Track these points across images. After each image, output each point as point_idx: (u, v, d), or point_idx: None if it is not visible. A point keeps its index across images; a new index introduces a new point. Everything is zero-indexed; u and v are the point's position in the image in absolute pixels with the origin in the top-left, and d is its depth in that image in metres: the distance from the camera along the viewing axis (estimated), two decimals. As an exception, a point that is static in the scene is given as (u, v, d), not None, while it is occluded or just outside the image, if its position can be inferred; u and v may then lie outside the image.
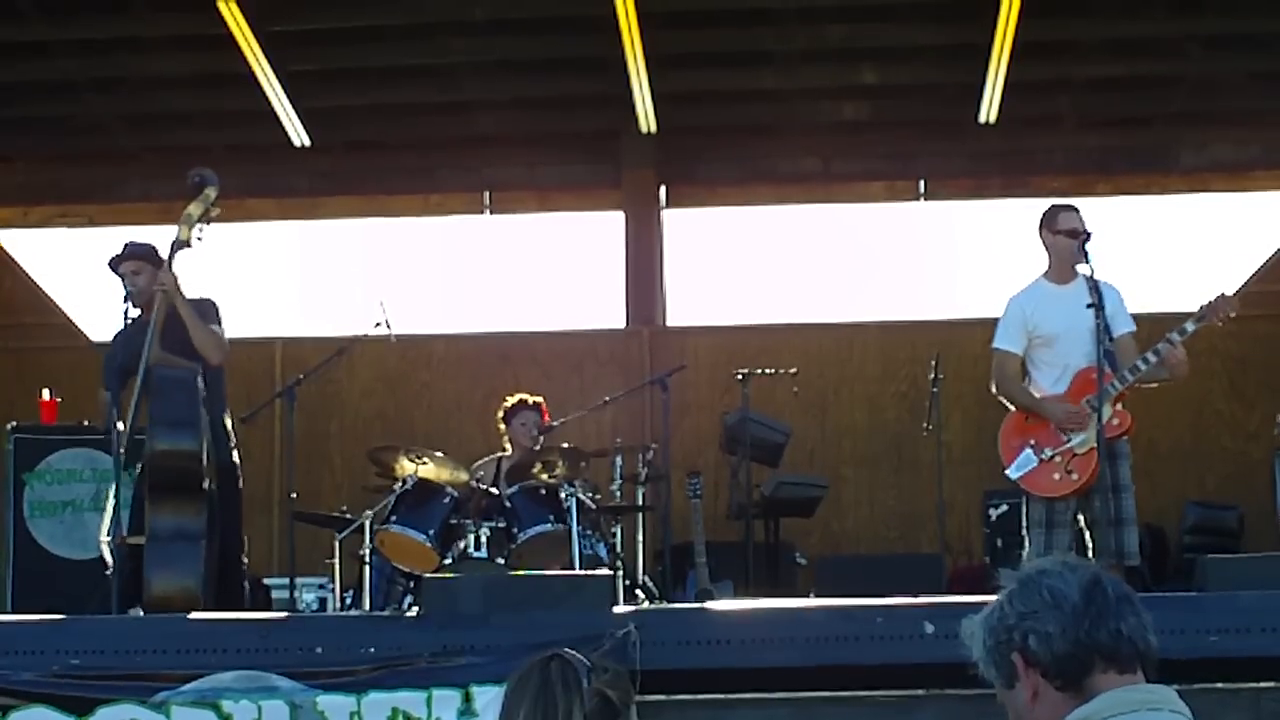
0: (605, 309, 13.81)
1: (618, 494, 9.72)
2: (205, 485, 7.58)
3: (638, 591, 9.10)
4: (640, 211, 13.61)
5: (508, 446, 9.66)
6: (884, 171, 13.87)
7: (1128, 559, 7.31)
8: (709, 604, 8.14)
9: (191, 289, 8.00)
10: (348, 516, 8.93)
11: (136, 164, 13.88)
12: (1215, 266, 14.13)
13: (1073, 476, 7.45)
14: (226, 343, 8.04)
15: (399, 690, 6.16)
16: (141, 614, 7.34)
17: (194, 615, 6.98)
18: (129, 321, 7.88)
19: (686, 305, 13.97)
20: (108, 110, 13.43)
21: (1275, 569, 6.79)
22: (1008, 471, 7.65)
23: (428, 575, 7.75)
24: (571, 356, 13.16)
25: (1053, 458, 7.50)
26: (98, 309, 12.63)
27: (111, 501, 7.48)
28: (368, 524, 8.57)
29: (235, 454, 8.06)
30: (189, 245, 7.83)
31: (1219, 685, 6.03)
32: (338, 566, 8.98)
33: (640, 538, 9.73)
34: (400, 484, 8.64)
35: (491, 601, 6.54)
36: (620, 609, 6.68)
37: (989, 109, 12.70)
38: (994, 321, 7.88)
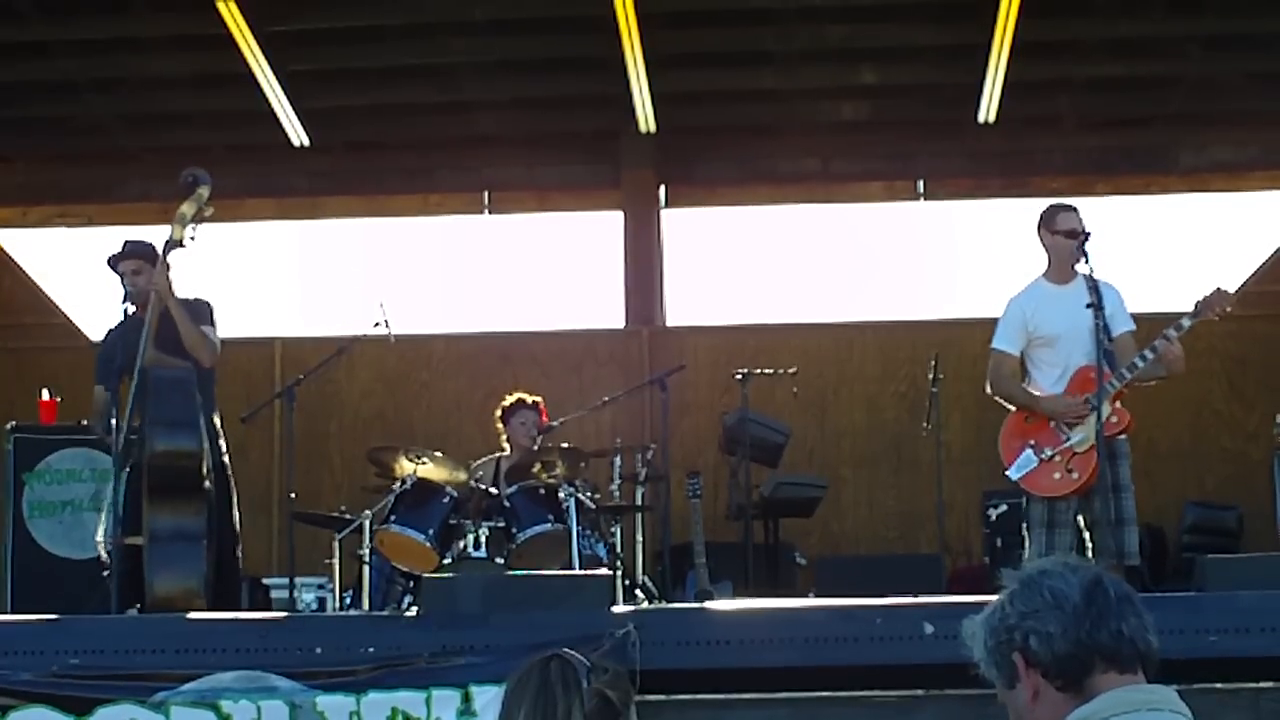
0: (604, 309, 13.82)
1: (617, 494, 9.71)
2: (204, 485, 7.59)
3: (637, 592, 9.10)
4: (639, 211, 13.61)
5: (506, 446, 9.65)
6: (883, 171, 13.86)
7: (1128, 559, 7.31)
8: (708, 604, 8.13)
9: (187, 289, 8.00)
10: (347, 516, 8.93)
11: (136, 164, 13.88)
12: (1214, 267, 14.13)
13: (1073, 476, 7.45)
14: (218, 345, 8.04)
15: (398, 690, 6.16)
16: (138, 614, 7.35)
17: (193, 615, 6.98)
18: (125, 319, 7.88)
19: (686, 305, 13.99)
20: (107, 110, 13.43)
21: (1274, 569, 6.79)
22: (1008, 472, 7.65)
23: (427, 575, 7.75)
24: (571, 356, 13.16)
25: (1053, 457, 7.50)
26: (97, 309, 12.64)
27: (109, 501, 7.48)
28: (367, 524, 8.57)
29: (225, 453, 8.05)
30: (182, 244, 7.82)
31: (1218, 685, 6.04)
32: (337, 566, 8.98)
33: (639, 538, 9.73)
34: (399, 484, 8.64)
35: (491, 601, 6.54)
36: (620, 609, 6.69)
37: (988, 109, 12.70)
38: (994, 321, 7.89)
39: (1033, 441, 7.55)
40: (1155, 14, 12.43)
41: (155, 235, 8.05)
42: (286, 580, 9.39)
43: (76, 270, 14.36)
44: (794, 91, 13.40)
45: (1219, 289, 7.59)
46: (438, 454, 8.83)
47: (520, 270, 14.97)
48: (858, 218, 14.88)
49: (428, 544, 8.42)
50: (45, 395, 11.26)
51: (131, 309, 7.87)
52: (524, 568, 8.20)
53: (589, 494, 8.89)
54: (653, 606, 8.54)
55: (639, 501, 9.87)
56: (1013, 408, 7.73)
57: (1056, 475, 7.48)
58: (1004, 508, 10.69)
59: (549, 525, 8.54)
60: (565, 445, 9.31)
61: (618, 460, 9.80)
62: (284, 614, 8.77)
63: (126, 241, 8.11)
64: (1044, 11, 12.03)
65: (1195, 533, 12.11)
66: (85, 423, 8.14)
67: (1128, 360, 7.47)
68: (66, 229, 14.33)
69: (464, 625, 6.38)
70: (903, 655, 6.21)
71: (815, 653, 6.30)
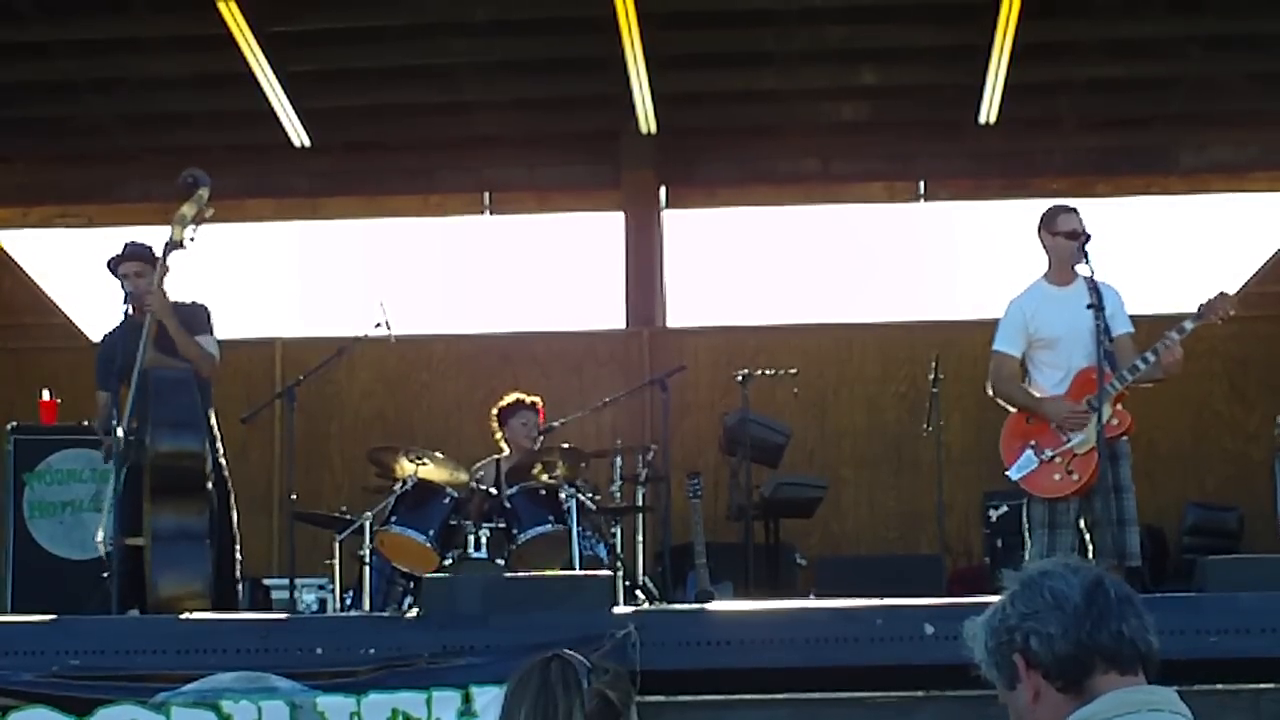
0: (605, 309, 13.83)
1: (617, 495, 9.71)
2: (207, 486, 7.59)
3: (638, 592, 9.09)
4: (640, 212, 13.61)
5: (504, 447, 9.64)
6: (884, 172, 13.87)
7: (1129, 559, 7.31)
8: (709, 605, 8.13)
9: (184, 293, 7.98)
10: (347, 517, 8.92)
11: (136, 164, 13.88)
12: (1215, 267, 14.14)
13: (1073, 477, 7.45)
14: (216, 355, 8.00)
15: (399, 691, 6.16)
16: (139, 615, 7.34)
17: (193, 616, 6.98)
18: (125, 321, 7.87)
19: (686, 306, 13.99)
20: (107, 111, 13.43)
21: (1275, 570, 6.79)
22: (1009, 473, 7.65)
23: (427, 576, 7.74)
24: (571, 357, 13.16)
25: (1053, 458, 7.50)
26: (97, 309, 12.64)
27: (109, 502, 7.48)
28: (367, 525, 8.56)
29: (223, 454, 8.04)
30: (182, 246, 7.81)
31: (1219, 686, 6.04)
32: (337, 567, 8.97)
33: (640, 538, 9.73)
34: (400, 485, 8.63)
35: (491, 602, 6.54)
36: (620, 610, 6.69)
37: (989, 110, 12.70)
38: (994, 322, 7.88)
39: (1033, 442, 7.55)
40: (1155, 15, 12.44)
41: (155, 236, 8.03)
42: (287, 581, 9.38)
43: (77, 270, 14.38)
44: (794, 92, 13.41)
45: (1221, 292, 7.59)
46: (438, 455, 8.82)
47: (521, 271, 14.99)
48: (858, 218, 14.90)
49: (428, 545, 8.41)
50: (45, 395, 11.26)
51: (131, 311, 7.85)
52: (524, 568, 8.20)
53: (589, 495, 8.88)
54: (653, 607, 8.54)
55: (639, 502, 9.87)
56: (1013, 409, 7.73)
57: (1057, 476, 7.48)
58: (1004, 508, 10.69)
59: (549, 526, 8.53)
60: (566, 446, 9.30)
61: (618, 461, 9.80)
62: (284, 615, 8.77)
63: (127, 244, 8.09)
64: (1044, 12, 12.04)
65: (1196, 534, 12.12)
66: (86, 423, 8.13)
67: (1127, 362, 7.47)
68: (67, 229, 14.34)
69: (464, 626, 6.38)
70: (903, 656, 6.21)
71: (816, 653, 6.30)
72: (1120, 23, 12.47)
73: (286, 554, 9.19)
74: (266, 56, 12.33)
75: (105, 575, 7.35)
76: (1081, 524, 7.52)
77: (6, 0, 12.09)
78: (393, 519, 8.54)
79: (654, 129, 13.10)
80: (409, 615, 7.40)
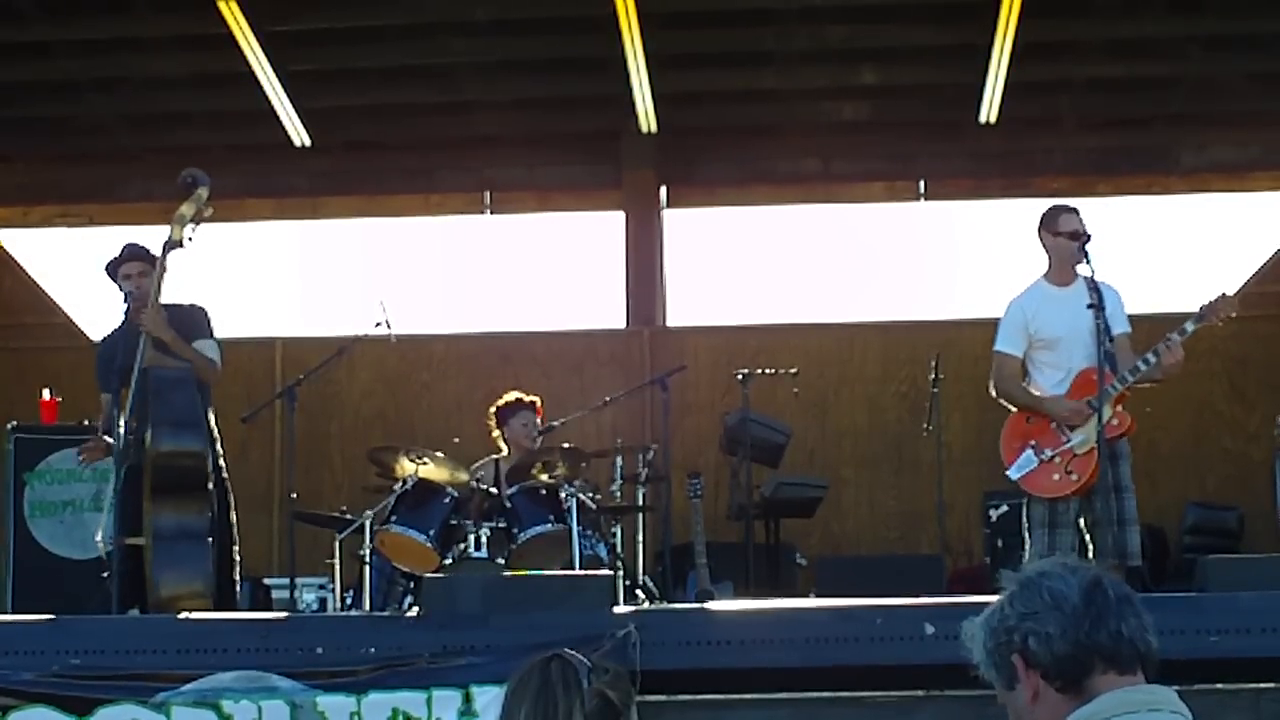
0: (605, 309, 13.83)
1: (618, 494, 9.71)
2: (208, 485, 7.59)
3: (638, 592, 9.09)
4: (640, 212, 13.61)
5: (502, 446, 9.63)
6: (884, 172, 13.87)
7: (1130, 559, 7.32)
8: (709, 604, 8.13)
9: (183, 294, 7.97)
10: (348, 517, 8.93)
11: (137, 164, 13.88)
12: (1215, 267, 14.14)
13: (1072, 477, 7.46)
14: (218, 361, 7.98)
15: (399, 690, 6.16)
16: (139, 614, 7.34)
17: (194, 616, 6.98)
18: (124, 323, 7.86)
19: (687, 305, 13.99)
20: (108, 110, 13.44)
21: (1275, 570, 6.79)
22: (1008, 472, 7.65)
23: (428, 575, 7.74)
24: (571, 357, 13.16)
25: (1053, 458, 7.51)
26: (98, 309, 12.64)
27: (109, 501, 7.48)
28: (368, 524, 8.57)
29: (222, 454, 8.04)
30: (182, 245, 7.79)
31: (1219, 686, 6.04)
32: (338, 567, 8.98)
33: (640, 538, 9.73)
34: (400, 484, 8.63)
35: (491, 602, 6.54)
36: (620, 609, 6.69)
37: (989, 109, 12.70)
38: (994, 322, 7.88)
39: (1033, 442, 7.55)
40: (1156, 14, 12.44)
41: (156, 235, 8.02)
42: (287, 580, 9.38)
43: (77, 270, 14.39)
44: (795, 92, 13.41)
45: (1223, 294, 7.60)
46: (438, 454, 8.82)
47: (521, 270, 14.99)
48: (858, 218, 14.90)
49: (428, 544, 8.41)
50: (46, 395, 11.27)
51: (131, 311, 7.83)
52: (525, 568, 8.20)
53: (590, 494, 8.88)
54: (653, 607, 8.54)
55: (640, 502, 9.87)
56: (1014, 409, 7.73)
57: (1056, 476, 7.49)
58: (1005, 508, 10.69)
59: (550, 525, 8.53)
60: (566, 445, 9.30)
61: (619, 460, 9.79)
62: (285, 614, 8.77)
63: (126, 245, 8.06)
64: (1044, 12, 12.03)
65: (1196, 533, 12.12)
66: (87, 423, 8.13)
67: (1125, 362, 7.47)
68: (67, 229, 14.34)
69: (465, 625, 6.37)
70: (903, 656, 6.21)
71: (816, 653, 6.30)
72: (1120, 22, 12.47)
73: (287, 553, 9.19)
74: (267, 56, 12.33)
75: (105, 575, 7.35)
76: (1081, 524, 7.52)
77: (8, 0, 12.09)
78: (393, 518, 8.54)
79: (654, 129, 13.11)
80: (409, 615, 7.40)
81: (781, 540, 11.23)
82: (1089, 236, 7.50)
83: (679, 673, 6.22)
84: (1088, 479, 7.40)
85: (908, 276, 15.18)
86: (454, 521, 8.56)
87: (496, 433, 9.64)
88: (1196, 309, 7.60)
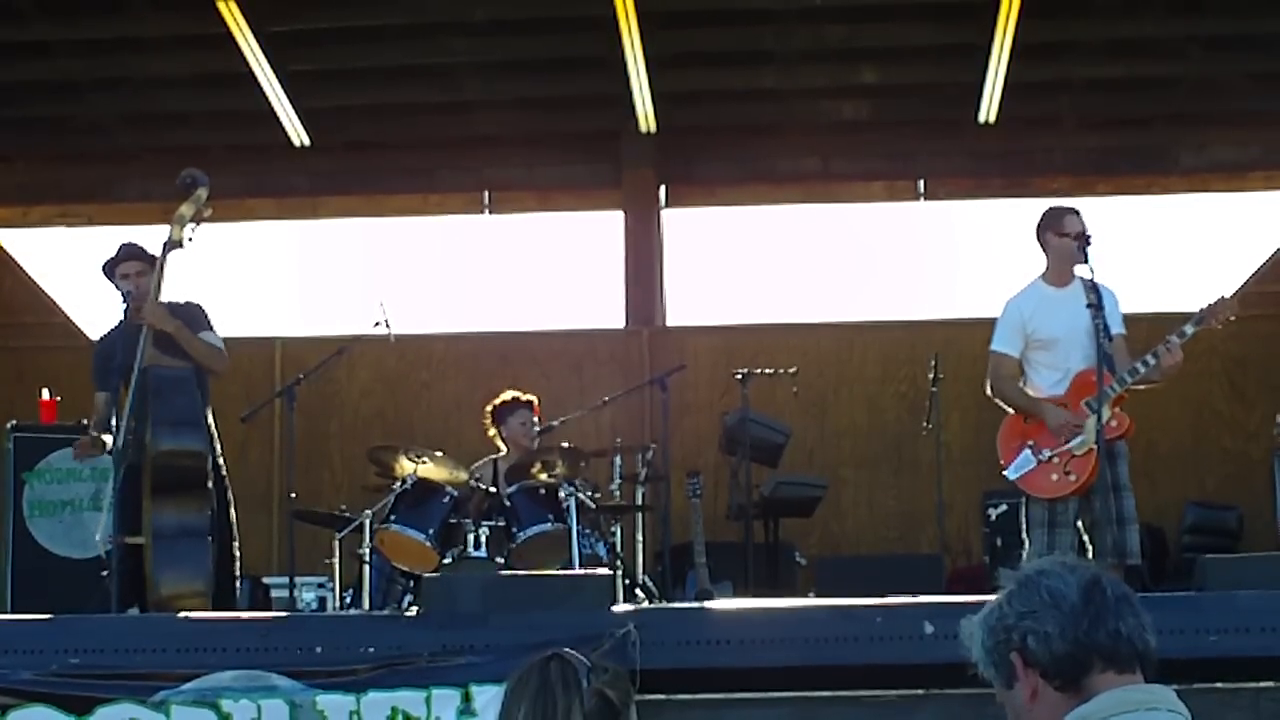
0: (605, 309, 13.82)
1: (617, 494, 9.71)
2: (208, 485, 7.59)
3: (637, 591, 9.10)
4: (640, 211, 13.61)
5: (500, 445, 9.63)
6: (883, 171, 13.86)
7: (1129, 558, 7.32)
8: (708, 604, 8.13)
9: (180, 293, 7.97)
10: (347, 516, 8.93)
11: (136, 164, 13.88)
12: (1215, 267, 14.15)
13: (1070, 478, 7.46)
14: (224, 350, 8.02)
15: (398, 690, 6.16)
16: (138, 613, 7.34)
17: (193, 615, 6.98)
18: (122, 322, 7.86)
19: (686, 305, 13.99)
20: (108, 110, 13.43)
21: (1274, 569, 6.79)
22: (1006, 472, 7.66)
23: (427, 575, 7.75)
24: (571, 356, 13.16)
25: (1051, 459, 7.50)
26: (97, 309, 12.64)
27: (109, 501, 7.48)
28: (367, 523, 8.57)
29: (220, 453, 8.04)
30: (181, 245, 7.80)
31: (1218, 685, 6.04)
32: (337, 566, 8.98)
33: (640, 537, 9.73)
34: (400, 483, 8.64)
35: (491, 601, 6.54)
36: (620, 608, 6.69)
37: (989, 109, 12.70)
38: (994, 322, 7.88)
39: (1031, 442, 7.55)
40: (1155, 14, 12.44)
41: (155, 235, 8.03)
42: (287, 579, 9.39)
43: (77, 270, 14.39)
44: (794, 91, 13.40)
45: (1222, 297, 7.61)
46: (438, 453, 8.83)
47: (520, 270, 14.99)
48: (858, 218, 14.90)
49: (428, 543, 8.42)
50: (45, 395, 11.26)
51: (130, 312, 7.83)
52: (524, 567, 8.20)
53: (589, 494, 8.89)
54: (653, 606, 8.54)
55: (639, 501, 9.87)
56: (1010, 410, 7.73)
57: (1054, 477, 7.49)
58: (1004, 508, 10.69)
59: (549, 525, 8.53)
60: (565, 445, 9.31)
61: (618, 460, 9.80)
62: (284, 613, 8.78)
63: (123, 245, 8.06)
64: (1044, 12, 12.04)
65: (1195, 533, 12.12)
66: (86, 422, 8.14)
67: (1122, 364, 7.48)
68: (67, 229, 14.34)
69: (464, 625, 6.38)
70: (903, 655, 6.21)
71: (815, 652, 6.30)
72: (1120, 22, 12.47)
73: (286, 553, 9.20)
74: (266, 56, 12.33)
75: (105, 574, 7.35)
76: (1079, 524, 7.52)
77: (7, 0, 12.08)
78: (392, 518, 8.54)
79: (654, 128, 13.10)
80: (408, 614, 7.41)
81: (781, 540, 11.23)
82: (1089, 237, 7.51)
83: (678, 672, 6.22)
84: (1086, 479, 7.41)
85: (907, 276, 15.19)
86: (453, 521, 8.57)
87: (493, 431, 9.63)
88: (1196, 312, 7.61)
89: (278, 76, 12.55)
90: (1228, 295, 7.67)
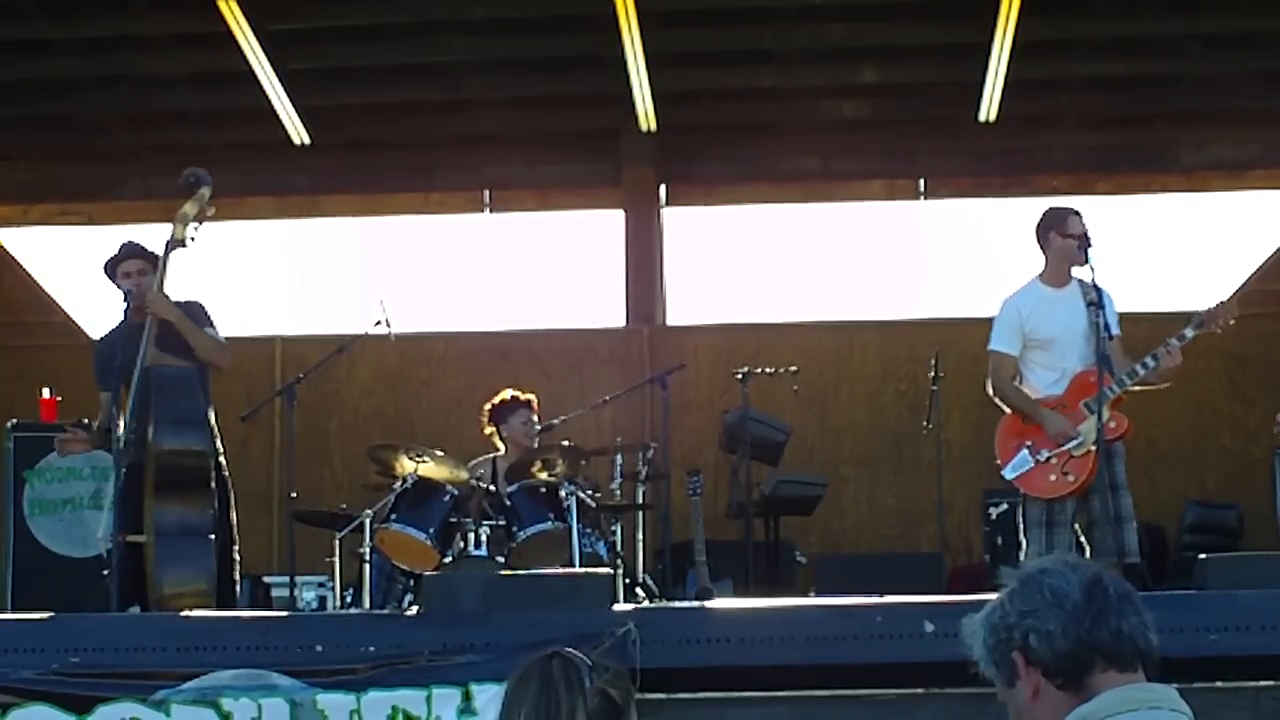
0: (605, 307, 13.82)
1: (618, 492, 9.71)
2: (211, 484, 7.59)
3: (638, 590, 9.10)
4: (640, 210, 13.61)
5: (498, 445, 9.62)
6: (884, 170, 13.86)
7: (1127, 556, 7.33)
8: (709, 602, 8.14)
9: (179, 291, 7.97)
10: (347, 515, 8.92)
11: (136, 162, 13.89)
12: (1215, 265, 14.14)
13: (1069, 478, 7.47)
14: (227, 345, 8.03)
15: (399, 688, 6.16)
16: (139, 612, 7.35)
17: (193, 613, 6.98)
18: (122, 322, 7.86)
19: (686, 304, 13.99)
20: (108, 109, 13.43)
21: (1275, 568, 6.79)
22: (1003, 472, 7.67)
23: (428, 573, 7.75)
24: (571, 355, 13.16)
25: (1049, 459, 7.51)
26: (98, 307, 12.64)
27: (110, 499, 7.48)
28: (367, 522, 8.56)
29: (222, 452, 8.05)
30: (184, 244, 7.81)
31: (1219, 684, 6.04)
32: (337, 565, 8.98)
33: (640, 536, 9.73)
34: (400, 482, 8.63)
35: (491, 600, 6.54)
36: (620, 607, 6.69)
37: (989, 108, 12.70)
38: (994, 320, 7.88)
39: (1029, 442, 7.56)
40: (1155, 12, 12.44)
41: (156, 234, 8.03)
42: (287, 578, 9.38)
43: (77, 268, 14.38)
44: (794, 90, 13.40)
45: (1222, 302, 7.63)
46: (438, 452, 8.82)
47: (521, 269, 14.98)
48: (858, 216, 14.89)
49: (428, 542, 8.41)
50: (46, 393, 11.26)
51: (131, 312, 7.83)
52: (524, 566, 8.20)
53: (589, 492, 8.88)
54: (653, 605, 8.54)
55: (639, 500, 9.87)
56: (1009, 410, 7.73)
57: (1052, 477, 7.50)
58: (1004, 506, 10.69)
59: (550, 524, 8.53)
60: (566, 443, 9.31)
61: (618, 459, 9.79)
62: (284, 612, 8.78)
63: (124, 243, 8.07)
64: (1044, 10, 12.04)
65: (1196, 531, 12.11)
66: (86, 421, 8.14)
67: (1118, 364, 7.49)
68: (67, 227, 14.33)
69: (464, 624, 6.38)
70: (903, 653, 6.21)
71: (815, 651, 6.30)
72: (1120, 20, 12.47)
73: (286, 552, 9.19)
74: (266, 54, 12.33)
75: (106, 572, 7.35)
76: (1076, 525, 7.53)
77: (7, -1, 12.10)
78: (393, 517, 8.54)
79: (654, 127, 13.10)
80: (409, 613, 7.40)
81: (781, 538, 11.23)
82: (1090, 239, 7.53)
83: (679, 670, 6.22)
84: (1084, 480, 7.42)
85: (907, 275, 15.18)
86: (454, 520, 8.56)
87: (491, 430, 9.62)
88: (1196, 315, 7.63)
89: (278, 75, 12.55)
90: (1227, 299, 7.69)
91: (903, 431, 12.44)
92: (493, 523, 8.58)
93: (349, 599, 8.81)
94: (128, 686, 6.21)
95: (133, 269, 7.91)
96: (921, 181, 13.76)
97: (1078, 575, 2.61)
